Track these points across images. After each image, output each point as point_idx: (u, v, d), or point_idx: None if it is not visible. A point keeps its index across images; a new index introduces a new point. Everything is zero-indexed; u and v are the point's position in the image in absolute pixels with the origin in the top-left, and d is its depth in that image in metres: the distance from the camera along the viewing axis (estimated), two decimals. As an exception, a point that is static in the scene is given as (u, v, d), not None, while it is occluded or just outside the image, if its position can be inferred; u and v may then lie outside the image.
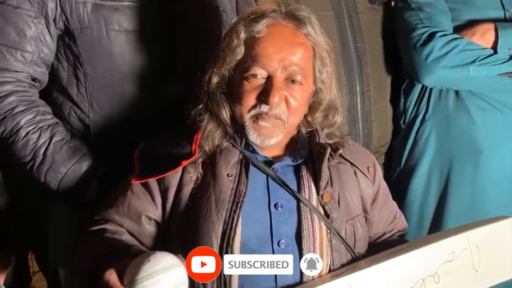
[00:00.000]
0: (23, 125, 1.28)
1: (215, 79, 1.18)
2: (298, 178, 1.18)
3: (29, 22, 1.28)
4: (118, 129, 1.35)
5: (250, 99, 1.14)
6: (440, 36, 1.57)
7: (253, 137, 1.15)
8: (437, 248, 1.14)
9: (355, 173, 1.24)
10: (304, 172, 1.18)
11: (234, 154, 1.16)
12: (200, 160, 1.15)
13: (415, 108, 1.66)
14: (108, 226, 1.13)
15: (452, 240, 1.16)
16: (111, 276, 0.93)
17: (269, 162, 1.18)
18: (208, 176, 1.14)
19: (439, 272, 1.13)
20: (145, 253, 0.96)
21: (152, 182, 1.14)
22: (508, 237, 1.21)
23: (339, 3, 1.57)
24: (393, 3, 1.70)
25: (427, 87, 1.64)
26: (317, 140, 1.22)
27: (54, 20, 1.30)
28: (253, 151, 1.18)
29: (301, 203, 1.14)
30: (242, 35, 1.15)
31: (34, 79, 1.33)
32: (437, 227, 1.62)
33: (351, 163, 1.24)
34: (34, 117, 1.29)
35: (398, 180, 1.69)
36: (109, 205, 1.17)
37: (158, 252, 0.95)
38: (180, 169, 1.14)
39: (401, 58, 1.67)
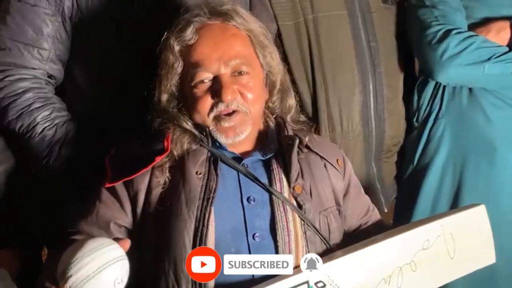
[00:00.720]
0: (40, 122, 1.31)
1: (164, 97, 1.19)
2: (269, 172, 1.18)
3: (46, 20, 1.31)
4: (131, 128, 1.37)
5: (205, 104, 1.15)
6: (456, 33, 1.56)
7: (221, 139, 1.16)
8: (412, 236, 1.15)
9: (325, 166, 1.24)
10: (275, 165, 1.18)
11: (202, 153, 1.16)
12: (167, 165, 1.15)
13: (429, 106, 1.65)
14: (77, 236, 1.11)
15: (426, 228, 1.17)
16: (46, 281, 0.93)
17: (239, 158, 1.18)
18: (176, 177, 1.14)
19: (416, 260, 1.14)
20: (73, 244, 0.94)
21: (120, 188, 1.14)
22: (481, 224, 1.24)
23: (352, 3, 1.57)
24: (406, 4, 1.69)
25: (440, 85, 1.63)
26: (286, 133, 1.23)
27: (70, 18, 1.33)
28: (221, 148, 1.18)
29: (273, 196, 1.14)
30: (176, 48, 1.16)
31: (50, 76, 1.35)
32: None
33: (321, 156, 1.24)
34: (50, 113, 1.32)
35: (411, 178, 1.68)
36: (79, 216, 1.16)
37: (85, 238, 0.93)
38: (148, 173, 1.13)
39: (414, 56, 1.66)
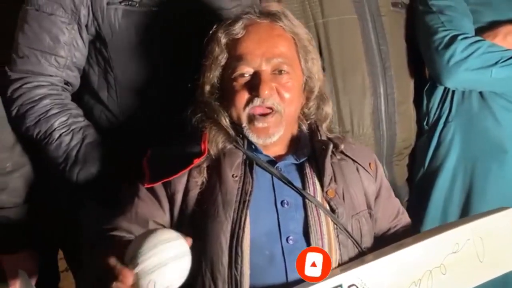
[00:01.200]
0: (57, 127, 1.32)
1: (206, 88, 1.22)
2: (302, 175, 1.20)
3: (62, 28, 1.33)
4: (146, 133, 1.38)
5: (242, 97, 1.17)
6: (462, 39, 1.57)
7: (253, 138, 1.18)
8: (442, 239, 1.16)
9: (357, 169, 1.26)
10: (308, 169, 1.20)
11: (238, 155, 1.18)
12: (205, 165, 1.17)
13: (438, 110, 1.67)
14: (116, 233, 1.13)
15: (455, 232, 1.18)
16: (110, 259, 0.93)
17: (273, 162, 1.20)
18: (213, 179, 1.16)
19: (446, 263, 1.15)
20: (144, 232, 0.98)
21: (159, 188, 1.16)
22: (510, 227, 1.24)
23: (362, 7, 1.59)
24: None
25: (449, 88, 1.64)
26: (319, 137, 1.24)
27: (86, 26, 1.35)
28: (256, 151, 1.20)
29: (307, 200, 1.16)
30: (223, 40, 1.19)
31: (66, 83, 1.37)
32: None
33: (353, 160, 1.26)
34: (67, 119, 1.34)
35: (422, 181, 1.69)
36: (117, 214, 1.18)
37: (157, 228, 0.95)
38: (186, 174, 1.15)
39: (424, 60, 1.68)
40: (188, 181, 1.16)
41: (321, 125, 1.27)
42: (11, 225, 1.34)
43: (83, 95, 1.43)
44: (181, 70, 1.37)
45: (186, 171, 1.15)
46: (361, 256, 1.17)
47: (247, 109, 1.17)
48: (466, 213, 1.64)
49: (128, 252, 0.91)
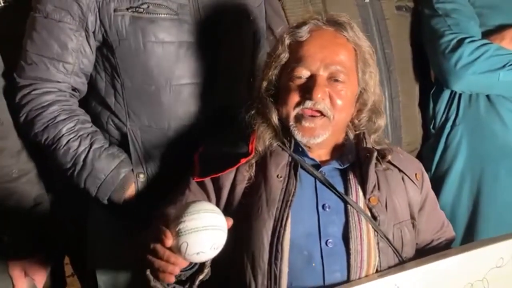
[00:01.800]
0: (65, 133, 1.33)
1: (264, 84, 1.25)
2: (345, 181, 1.21)
3: (70, 35, 1.34)
4: (155, 139, 1.39)
5: (294, 97, 1.20)
6: (469, 42, 1.58)
7: (298, 136, 1.20)
8: (485, 253, 1.14)
9: (402, 179, 1.26)
10: (351, 176, 1.21)
11: (284, 157, 1.21)
12: (253, 161, 1.21)
13: (445, 113, 1.67)
14: None
15: (500, 246, 1.16)
16: (156, 225, 0.99)
17: (317, 166, 1.22)
18: (259, 176, 1.19)
19: (488, 277, 1.13)
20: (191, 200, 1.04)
21: (208, 182, 1.21)
22: None
23: (366, 10, 1.60)
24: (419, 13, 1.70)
25: (456, 92, 1.64)
26: (364, 145, 1.25)
27: (94, 32, 1.36)
28: (302, 154, 1.22)
29: (348, 205, 1.17)
30: (287, 41, 1.23)
31: (74, 89, 1.38)
32: (470, 231, 1.61)
33: (399, 169, 1.26)
34: (74, 125, 1.35)
35: (429, 186, 1.68)
36: (167, 203, 1.22)
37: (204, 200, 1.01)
38: (234, 170, 1.20)
39: (430, 63, 1.68)
40: (235, 176, 1.20)
41: (369, 135, 1.28)
42: (19, 231, 1.36)
43: (90, 101, 1.44)
44: (188, 76, 1.39)
45: (234, 169, 1.19)
46: (401, 264, 1.17)
47: (297, 109, 1.20)
48: (475, 217, 1.64)
49: (175, 212, 0.97)
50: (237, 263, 1.14)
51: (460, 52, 1.57)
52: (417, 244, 1.28)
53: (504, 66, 1.55)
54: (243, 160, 1.18)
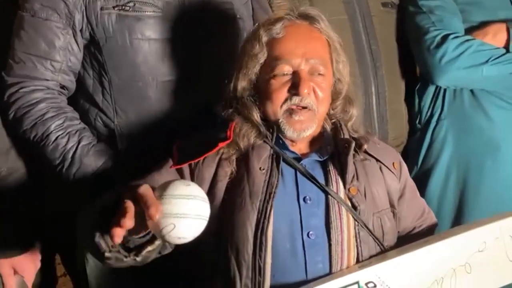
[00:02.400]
0: (53, 130, 1.34)
1: (242, 84, 1.25)
2: (326, 172, 1.22)
3: (57, 33, 1.35)
4: (142, 134, 1.41)
5: (281, 95, 1.20)
6: (453, 38, 1.60)
7: (289, 131, 1.21)
8: (467, 238, 1.15)
9: (380, 168, 1.28)
10: (331, 167, 1.23)
11: (266, 149, 1.22)
12: (234, 157, 1.21)
13: (431, 108, 1.69)
14: None
15: (482, 230, 1.16)
16: (145, 188, 0.89)
17: (298, 159, 1.23)
18: (241, 170, 1.19)
19: (471, 262, 1.13)
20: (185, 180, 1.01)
21: (186, 169, 1.19)
22: None
23: (352, 7, 1.62)
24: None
25: (441, 87, 1.67)
26: (342, 136, 1.27)
27: (81, 30, 1.37)
28: (283, 147, 1.23)
29: (329, 197, 1.18)
30: (264, 39, 1.23)
31: (62, 87, 1.39)
32: (456, 224, 1.62)
33: (376, 159, 1.28)
34: (63, 122, 1.35)
35: (415, 180, 1.62)
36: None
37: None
38: (215, 165, 1.19)
39: (415, 59, 1.70)
40: (216, 171, 1.19)
41: (345, 124, 1.30)
42: (8, 229, 1.35)
43: (78, 98, 1.44)
44: (175, 73, 1.41)
45: (213, 156, 1.19)
46: (382, 253, 1.18)
47: (284, 106, 1.20)
48: (461, 211, 1.66)
49: (163, 188, 0.90)
50: (221, 257, 1.15)
51: (444, 48, 1.59)
52: (399, 232, 1.29)
53: (487, 61, 1.58)
54: (221, 144, 1.18)
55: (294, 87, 1.19)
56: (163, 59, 1.40)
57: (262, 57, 1.23)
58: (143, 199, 0.87)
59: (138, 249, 0.94)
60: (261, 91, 1.24)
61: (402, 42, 1.71)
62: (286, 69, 1.20)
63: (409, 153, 1.74)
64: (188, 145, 1.24)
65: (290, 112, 1.20)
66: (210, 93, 1.42)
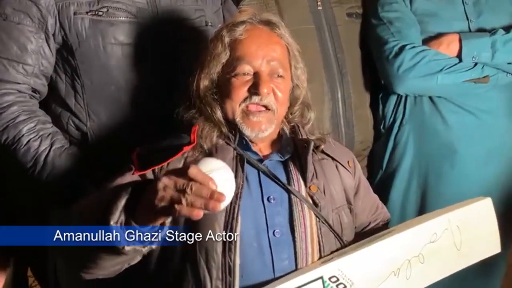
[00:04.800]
0: (25, 133, 1.33)
1: (204, 83, 1.27)
2: (287, 172, 1.26)
3: (30, 37, 1.35)
4: (115, 138, 1.41)
5: (240, 93, 1.24)
6: (409, 48, 1.68)
7: (247, 131, 1.24)
8: (420, 230, 1.21)
9: (336, 167, 1.33)
10: (292, 167, 1.26)
11: (229, 151, 1.24)
12: (199, 158, 1.19)
13: (393, 114, 1.77)
14: None
15: (433, 222, 1.23)
16: (195, 168, 0.93)
17: (260, 160, 1.26)
18: None
19: (424, 252, 1.19)
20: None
21: (149, 175, 1.18)
22: (486, 217, 1.30)
23: (319, 17, 1.69)
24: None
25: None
26: (300, 136, 1.32)
27: (54, 35, 1.37)
28: (246, 148, 1.25)
29: (291, 195, 1.22)
30: (226, 40, 1.26)
31: (34, 90, 1.38)
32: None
33: (333, 158, 1.33)
34: (35, 125, 1.34)
35: (380, 182, 1.78)
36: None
37: None
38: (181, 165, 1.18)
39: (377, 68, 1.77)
40: None
41: (303, 127, 1.35)
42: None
43: (50, 102, 1.44)
44: (147, 77, 1.42)
45: (176, 158, 1.18)
46: (342, 248, 1.22)
47: (243, 105, 1.23)
48: (423, 211, 1.72)
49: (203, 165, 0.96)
50: (190, 261, 1.15)
51: (401, 58, 1.67)
52: (356, 227, 1.35)
53: (441, 70, 1.66)
54: (186, 148, 1.19)
55: (255, 87, 1.23)
56: (135, 64, 1.41)
57: (224, 57, 1.26)
58: (204, 181, 0.91)
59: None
60: (222, 90, 1.26)
61: (366, 50, 1.77)
62: (247, 69, 1.24)
63: (375, 157, 1.81)
64: (150, 152, 1.23)
65: (247, 113, 1.23)
66: (181, 97, 1.45)
